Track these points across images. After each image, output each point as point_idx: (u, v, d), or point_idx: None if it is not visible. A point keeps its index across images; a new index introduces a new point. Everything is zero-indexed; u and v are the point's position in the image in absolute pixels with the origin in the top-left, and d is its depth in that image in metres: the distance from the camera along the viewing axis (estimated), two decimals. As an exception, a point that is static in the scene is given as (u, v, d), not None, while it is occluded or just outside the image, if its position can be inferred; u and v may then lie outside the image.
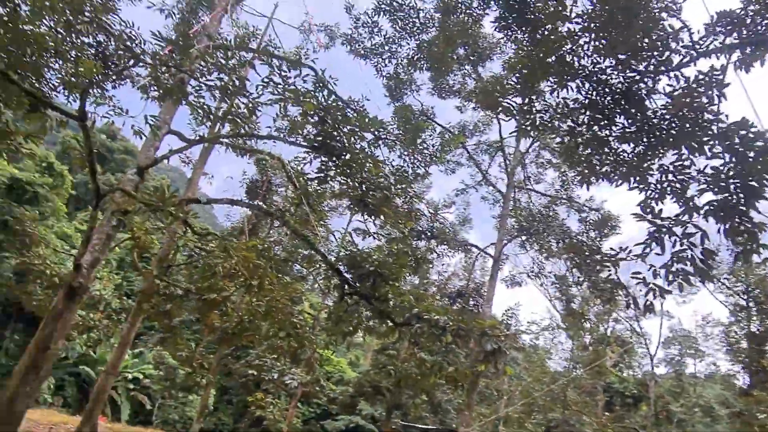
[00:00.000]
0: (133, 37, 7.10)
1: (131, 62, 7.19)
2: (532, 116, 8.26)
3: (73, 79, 8.08)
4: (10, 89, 8.18)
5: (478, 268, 26.57)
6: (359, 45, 16.46)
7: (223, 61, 7.17)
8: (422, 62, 16.42)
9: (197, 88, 7.76)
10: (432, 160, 12.82)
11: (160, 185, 7.43)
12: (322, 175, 9.17)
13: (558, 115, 8.29)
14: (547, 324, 38.14)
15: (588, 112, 7.92)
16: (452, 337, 8.38)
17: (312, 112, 8.31)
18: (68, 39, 9.57)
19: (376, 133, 9.05)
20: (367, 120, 8.30)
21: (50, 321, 9.62)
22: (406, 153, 12.05)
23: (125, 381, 34.62)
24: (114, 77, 8.49)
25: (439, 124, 18.50)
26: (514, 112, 8.96)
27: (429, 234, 18.99)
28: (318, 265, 11.46)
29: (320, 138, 8.70)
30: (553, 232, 19.09)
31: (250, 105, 7.54)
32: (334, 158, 8.85)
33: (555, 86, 7.91)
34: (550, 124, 8.42)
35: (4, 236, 29.09)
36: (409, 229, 13.17)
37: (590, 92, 7.85)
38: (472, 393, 16.19)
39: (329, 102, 7.99)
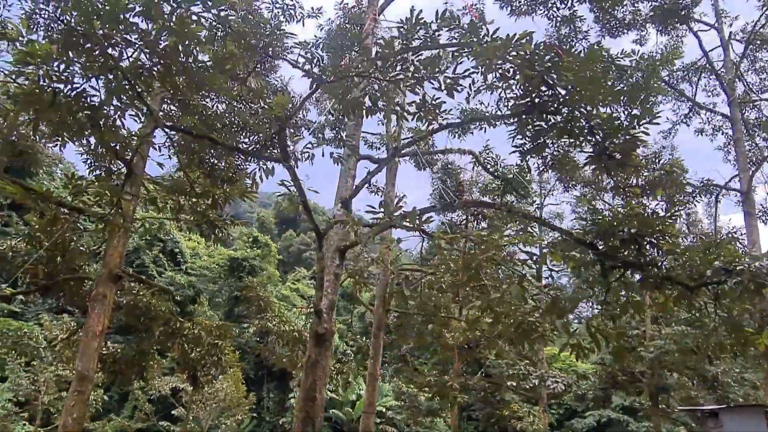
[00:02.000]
0: (311, 58, 6.64)
1: (316, 83, 6.73)
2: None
3: (261, 131, 8.04)
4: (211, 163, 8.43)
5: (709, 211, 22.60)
6: (520, 1, 14.91)
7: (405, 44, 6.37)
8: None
9: (384, 86, 7.06)
10: (647, 92, 10.71)
11: (391, 200, 6.81)
12: (541, 141, 7.86)
13: None
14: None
15: None
16: (782, 285, 6.32)
17: (511, 72, 7.13)
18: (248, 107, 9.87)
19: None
20: (582, 59, 6.80)
21: (309, 371, 9.60)
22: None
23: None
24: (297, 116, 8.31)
25: (624, 66, 16.04)
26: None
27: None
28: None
29: (528, 99, 7.45)
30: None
31: (449, 81, 6.59)
32: (550, 117, 7.51)
33: None
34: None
35: (239, 309, 32.57)
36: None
37: None
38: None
39: (535, 51, 6.70)
